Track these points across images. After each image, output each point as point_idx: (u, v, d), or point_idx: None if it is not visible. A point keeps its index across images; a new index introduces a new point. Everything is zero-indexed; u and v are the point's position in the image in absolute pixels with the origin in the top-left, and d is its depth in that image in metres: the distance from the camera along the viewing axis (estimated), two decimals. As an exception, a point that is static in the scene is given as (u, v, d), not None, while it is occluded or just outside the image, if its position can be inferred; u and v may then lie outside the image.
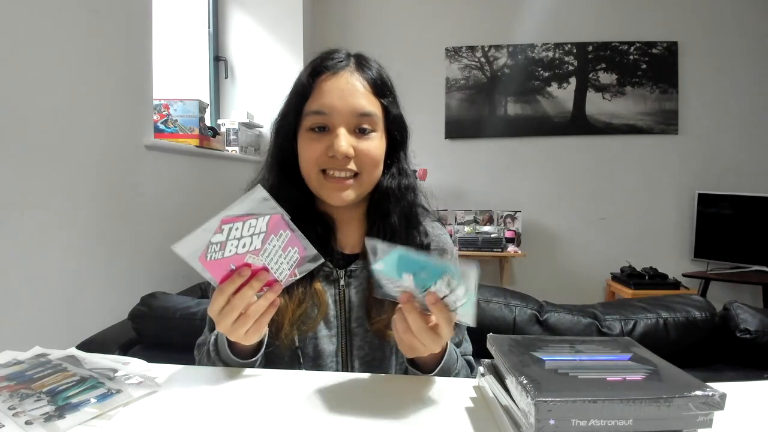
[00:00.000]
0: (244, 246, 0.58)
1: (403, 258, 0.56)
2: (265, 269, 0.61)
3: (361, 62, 0.79)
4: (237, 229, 0.57)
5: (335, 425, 0.53)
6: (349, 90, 0.75)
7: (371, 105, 0.76)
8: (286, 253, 0.62)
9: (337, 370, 0.77)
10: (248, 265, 0.60)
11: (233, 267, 0.59)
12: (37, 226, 1.30)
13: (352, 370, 0.77)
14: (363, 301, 0.78)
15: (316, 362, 0.76)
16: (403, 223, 0.81)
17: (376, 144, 0.77)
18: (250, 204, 0.57)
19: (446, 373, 0.71)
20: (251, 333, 0.62)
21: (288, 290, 0.73)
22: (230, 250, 0.58)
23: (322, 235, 0.79)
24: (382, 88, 0.78)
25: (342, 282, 0.79)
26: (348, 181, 0.76)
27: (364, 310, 0.78)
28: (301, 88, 0.77)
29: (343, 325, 0.78)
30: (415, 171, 0.88)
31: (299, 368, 0.76)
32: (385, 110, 0.78)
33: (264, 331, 0.66)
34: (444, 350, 0.70)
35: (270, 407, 0.58)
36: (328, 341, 0.77)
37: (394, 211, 0.80)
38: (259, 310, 0.61)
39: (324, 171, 0.76)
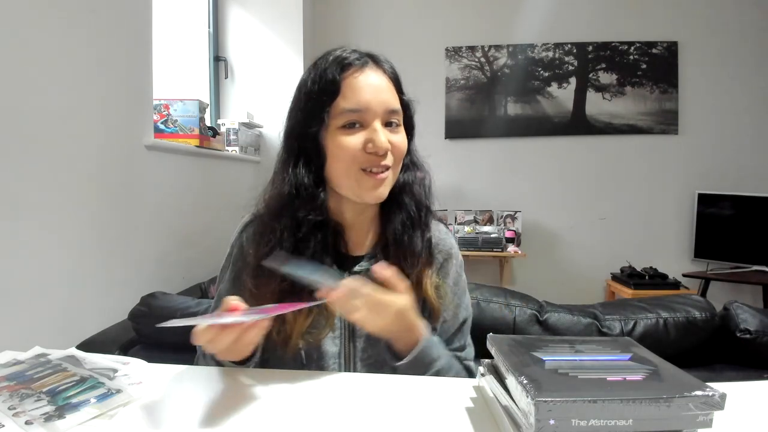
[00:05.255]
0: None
1: None
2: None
3: (376, 59, 0.79)
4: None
5: (336, 425, 0.53)
6: (379, 86, 0.75)
7: (396, 101, 0.77)
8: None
9: (340, 372, 0.77)
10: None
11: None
12: (37, 226, 1.30)
13: (355, 372, 0.77)
14: None
15: (318, 364, 0.76)
16: (422, 214, 0.81)
17: (403, 137, 0.78)
18: None
19: (422, 365, 0.71)
20: (237, 354, 0.64)
21: (300, 301, 0.73)
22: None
23: (331, 241, 0.78)
24: (400, 85, 0.80)
25: None
26: (384, 175, 0.75)
27: None
28: (327, 85, 0.74)
29: (346, 327, 0.78)
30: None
31: (302, 369, 0.76)
32: (404, 106, 0.79)
33: (250, 350, 0.66)
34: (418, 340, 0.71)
35: (271, 407, 0.58)
36: (331, 343, 0.77)
37: (412, 203, 0.81)
38: (243, 340, 0.61)
39: (363, 168, 0.74)
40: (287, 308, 0.63)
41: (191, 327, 0.59)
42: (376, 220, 0.83)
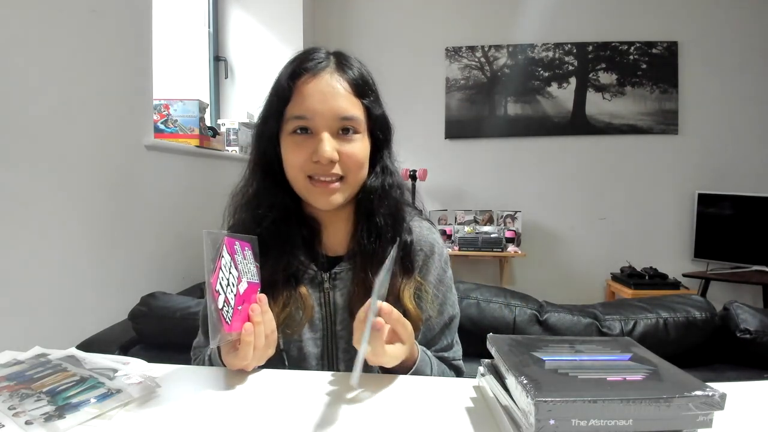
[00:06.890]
0: (234, 285, 0.61)
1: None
2: (252, 290, 0.66)
3: (341, 62, 0.76)
4: (224, 278, 0.60)
5: (335, 425, 0.53)
6: (330, 92, 0.73)
7: (353, 107, 0.74)
8: (246, 258, 0.66)
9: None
10: (251, 301, 0.65)
11: (240, 308, 0.62)
12: (37, 225, 1.30)
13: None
14: (347, 304, 0.77)
15: (300, 365, 0.76)
16: (390, 221, 0.78)
17: (359, 146, 0.75)
18: (210, 249, 0.60)
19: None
20: (264, 358, 0.66)
21: (272, 295, 0.73)
22: (231, 299, 0.60)
23: (307, 239, 0.78)
24: (363, 89, 0.76)
25: (327, 285, 0.78)
26: (334, 185, 0.74)
27: (348, 313, 0.76)
28: (281, 91, 0.75)
29: (327, 328, 0.77)
30: (415, 171, 0.87)
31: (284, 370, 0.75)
32: (367, 111, 0.76)
33: (263, 360, 0.68)
34: (414, 360, 0.71)
35: (270, 407, 0.58)
36: (312, 344, 0.77)
37: (379, 210, 0.78)
38: (268, 336, 0.64)
39: (310, 176, 0.74)
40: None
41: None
42: (351, 220, 0.82)
